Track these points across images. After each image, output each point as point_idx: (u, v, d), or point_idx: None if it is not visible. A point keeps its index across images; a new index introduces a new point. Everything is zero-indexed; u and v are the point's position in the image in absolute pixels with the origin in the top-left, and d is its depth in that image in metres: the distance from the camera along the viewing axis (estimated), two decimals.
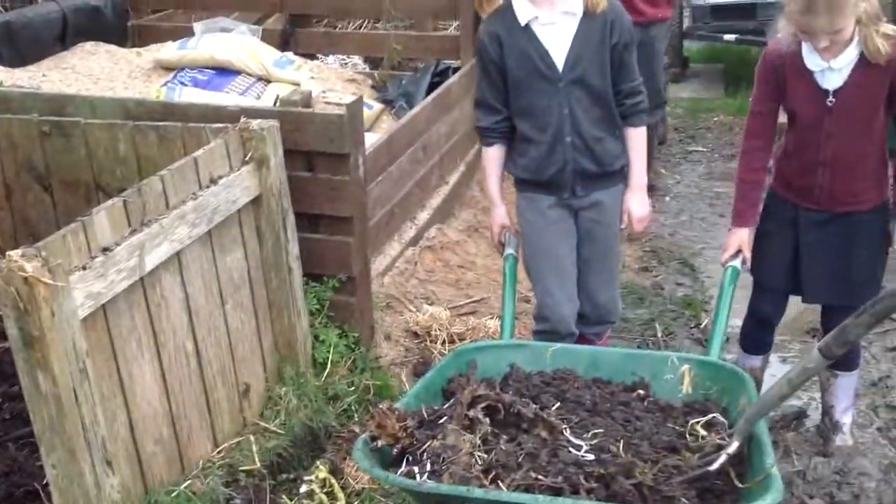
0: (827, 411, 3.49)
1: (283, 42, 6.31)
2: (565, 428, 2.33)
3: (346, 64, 7.22)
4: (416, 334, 3.97)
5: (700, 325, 4.35)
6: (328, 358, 3.52)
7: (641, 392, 2.74)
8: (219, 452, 3.05)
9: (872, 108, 3.03)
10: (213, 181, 3.07)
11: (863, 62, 2.96)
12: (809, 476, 3.21)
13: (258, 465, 3.04)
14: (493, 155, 3.36)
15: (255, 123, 3.25)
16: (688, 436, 2.48)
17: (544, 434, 2.30)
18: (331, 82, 5.91)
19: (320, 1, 6.35)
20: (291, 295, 3.41)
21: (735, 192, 3.29)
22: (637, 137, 3.30)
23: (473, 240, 4.95)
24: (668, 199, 5.96)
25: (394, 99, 5.95)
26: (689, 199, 6.02)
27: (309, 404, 3.32)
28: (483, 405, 2.31)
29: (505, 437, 2.29)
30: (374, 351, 3.76)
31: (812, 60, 3.02)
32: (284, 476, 3.07)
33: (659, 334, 4.25)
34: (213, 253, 3.08)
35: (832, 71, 3.00)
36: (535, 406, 2.35)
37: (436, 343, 3.89)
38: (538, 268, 3.38)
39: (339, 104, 3.50)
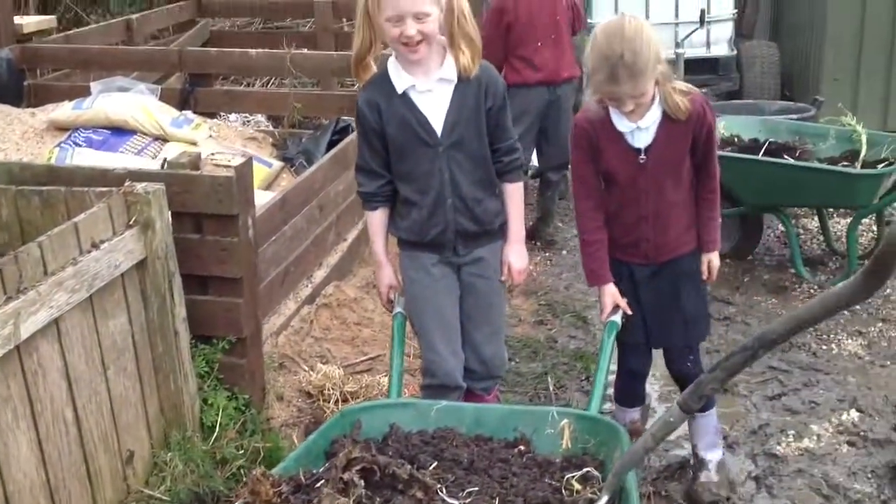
0: (693, 451, 3.63)
1: (183, 101, 6.31)
2: (440, 488, 2.37)
3: (248, 122, 7.26)
4: (309, 394, 3.96)
5: (590, 377, 4.43)
6: (217, 421, 3.48)
7: (522, 448, 2.78)
8: None
9: (680, 160, 3.27)
10: (95, 246, 3.04)
11: (666, 119, 3.20)
12: None
13: None
14: (378, 218, 3.41)
15: (141, 187, 3.24)
16: (563, 490, 2.54)
17: (419, 495, 2.33)
18: (230, 141, 5.93)
19: (220, 60, 6.38)
20: (178, 358, 3.38)
21: (582, 256, 3.43)
22: (515, 193, 3.39)
23: (371, 296, 4.97)
24: (565, 252, 6.09)
25: (294, 157, 5.99)
26: None
27: (196, 469, 3.28)
28: (358, 467, 2.33)
29: (380, 499, 2.31)
30: (266, 412, 3.74)
31: (621, 123, 3.23)
32: None
33: (551, 387, 4.33)
34: (94, 318, 3.04)
35: (640, 130, 3.22)
36: (409, 467, 2.37)
37: (328, 402, 3.88)
38: (422, 324, 3.42)
39: (227, 166, 3.51)
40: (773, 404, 4.18)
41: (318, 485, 2.35)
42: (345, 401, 3.90)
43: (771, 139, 5.53)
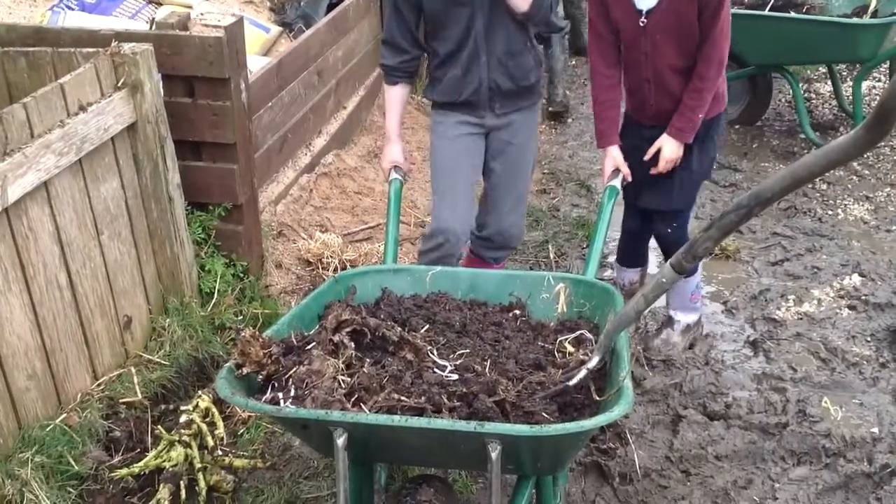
0: (666, 306, 3.67)
1: None
2: (431, 349, 2.36)
3: None
4: (308, 262, 3.95)
5: None
6: (215, 287, 3.48)
7: (517, 312, 2.77)
8: (99, 385, 3.02)
9: (682, 28, 3.09)
10: (83, 108, 2.97)
11: None
12: (685, 388, 3.31)
13: (139, 396, 3.02)
14: (396, 94, 3.37)
15: (128, 47, 3.15)
16: (556, 352, 2.53)
17: (410, 356, 2.32)
18: (227, 4, 5.75)
19: None
20: (174, 224, 3.35)
21: (594, 115, 3.35)
22: None
23: (372, 165, 4.91)
24: (570, 120, 5.98)
25: (292, 21, 5.82)
26: (591, 120, 6.02)
27: (194, 335, 3.30)
28: (348, 329, 2.32)
29: (370, 360, 2.30)
30: (264, 279, 3.74)
31: None
32: (163, 407, 3.06)
33: (551, 255, 4.30)
34: (85, 182, 3.00)
35: None
36: (400, 329, 2.36)
37: (327, 270, 3.87)
38: (437, 184, 3.39)
39: (217, 26, 3.39)
40: (774, 269, 4.15)
41: (309, 347, 2.34)
42: (343, 268, 3.89)
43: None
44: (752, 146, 5.43)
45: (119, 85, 3.13)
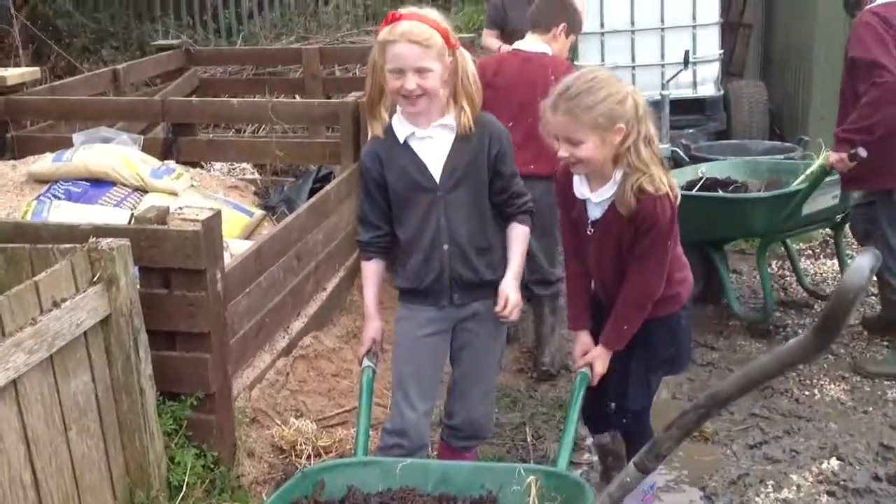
0: None
1: (166, 150, 6.30)
2: None
3: (233, 170, 7.26)
4: (281, 449, 3.91)
5: None
6: (184, 480, 3.43)
7: None
8: None
9: (624, 248, 3.15)
10: (56, 304, 3.01)
11: (614, 205, 3.09)
12: None
13: None
14: (372, 268, 3.42)
15: (105, 243, 3.22)
16: None
17: None
18: (212, 190, 5.92)
19: (203, 109, 6.38)
20: (144, 416, 3.34)
21: (566, 297, 3.41)
22: (521, 235, 3.37)
23: (350, 346, 4.93)
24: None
25: (276, 205, 5.99)
26: None
27: None
28: None
29: None
30: (236, 470, 3.68)
31: (578, 189, 3.20)
32: None
33: (528, 438, 4.27)
34: (55, 378, 3.00)
35: (591, 203, 3.17)
36: None
37: (301, 458, 3.83)
38: (397, 377, 3.39)
39: (195, 220, 3.48)
40: (753, 453, 4.12)
41: None
42: (318, 456, 3.85)
43: (742, 178, 5.58)
44: (727, 324, 5.49)
45: (94, 280, 3.19)
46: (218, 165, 7.18)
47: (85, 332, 3.12)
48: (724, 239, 5.55)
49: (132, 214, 4.04)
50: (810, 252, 6.60)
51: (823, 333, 1.86)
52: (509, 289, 3.33)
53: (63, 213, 4.99)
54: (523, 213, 3.35)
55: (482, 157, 3.23)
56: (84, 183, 5.41)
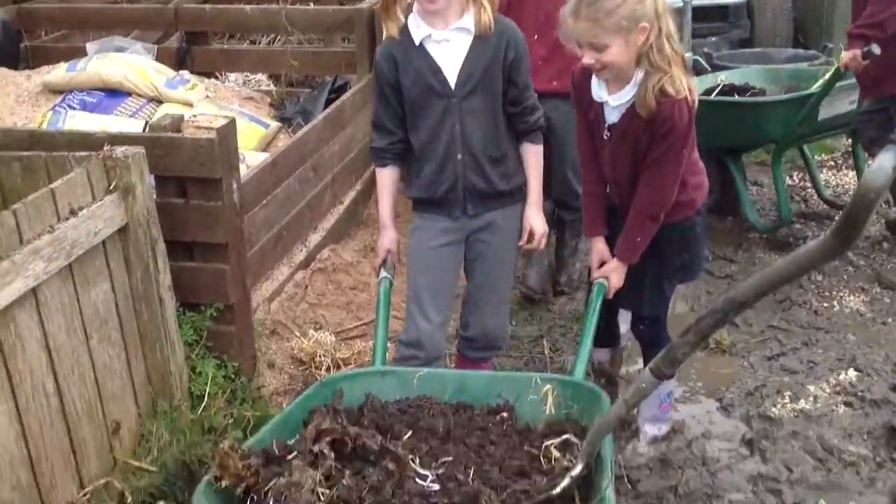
0: (636, 414, 3.57)
1: (180, 60, 6.23)
2: (413, 458, 2.33)
3: (248, 81, 7.17)
4: (301, 361, 3.94)
5: None
6: (205, 390, 3.46)
7: (504, 415, 2.75)
8: (84, 495, 2.98)
9: (640, 150, 3.09)
10: (73, 212, 3.00)
11: (634, 106, 3.03)
12: (681, 490, 3.26)
13: None
14: (386, 175, 3.37)
15: (120, 151, 3.19)
16: (542, 459, 2.50)
17: (391, 466, 2.30)
18: (227, 101, 5.86)
19: (216, 17, 6.28)
20: (164, 327, 3.35)
21: (582, 205, 3.37)
22: (536, 155, 3.32)
23: (369, 260, 4.92)
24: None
25: (291, 117, 5.92)
26: None
27: (182, 438, 3.26)
28: (328, 439, 2.30)
29: (351, 470, 2.28)
30: (257, 381, 3.72)
31: (596, 92, 3.12)
32: None
33: (546, 351, 4.28)
34: (74, 287, 3.01)
35: (609, 106, 3.10)
36: (380, 438, 2.34)
37: (320, 369, 3.86)
38: (412, 288, 3.38)
39: (209, 128, 3.44)
40: (770, 364, 4.12)
41: (290, 457, 2.32)
42: (337, 367, 3.88)
43: (760, 86, 5.49)
44: (746, 236, 5.44)
45: (111, 188, 3.17)
46: (233, 77, 7.09)
47: (103, 242, 3.11)
48: (741, 145, 5.47)
49: (146, 123, 4.00)
50: (832, 163, 6.50)
51: (843, 235, 1.81)
52: (533, 220, 3.31)
53: (79, 123, 4.96)
54: (535, 131, 3.30)
55: (498, 63, 3.16)
56: (99, 93, 5.37)
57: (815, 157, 6.11)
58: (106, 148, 3.20)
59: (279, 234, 4.32)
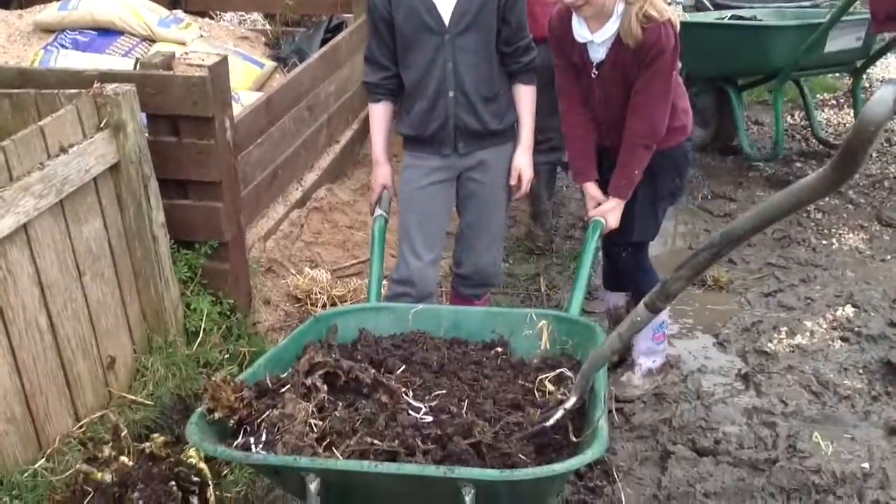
0: (631, 347, 3.59)
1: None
2: (406, 391, 2.33)
3: (244, 21, 7.07)
4: (297, 298, 3.93)
5: None
6: (200, 326, 3.46)
7: (499, 350, 2.75)
8: (80, 428, 2.99)
9: (630, 83, 3.04)
10: (64, 150, 2.97)
11: (619, 39, 2.98)
12: (675, 423, 3.27)
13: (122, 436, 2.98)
14: (379, 111, 3.34)
15: (110, 88, 3.15)
16: (536, 392, 2.50)
17: (384, 398, 2.29)
18: (222, 41, 5.77)
19: None
20: (158, 263, 3.34)
21: (567, 151, 3.32)
22: (528, 95, 3.28)
23: (365, 199, 4.89)
24: None
25: (287, 56, 5.84)
26: None
27: (178, 373, 3.27)
28: (321, 372, 2.29)
29: (343, 403, 2.27)
30: (252, 317, 3.72)
31: (578, 32, 3.07)
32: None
33: (542, 288, 4.27)
34: (66, 224, 2.99)
35: (594, 44, 3.05)
36: (373, 371, 2.33)
37: (316, 307, 3.85)
38: (403, 226, 3.36)
39: (201, 66, 3.40)
40: (767, 301, 4.11)
41: (283, 390, 2.32)
42: (333, 304, 3.87)
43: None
44: (746, 175, 5.41)
45: (101, 125, 3.13)
46: (227, 16, 6.98)
47: (95, 179, 3.08)
48: (744, 72, 5.41)
49: (137, 60, 3.95)
50: (834, 102, 6.44)
51: (842, 167, 1.79)
52: (522, 163, 3.28)
53: (70, 62, 4.89)
54: (528, 72, 3.25)
55: (493, 1, 3.11)
56: (91, 32, 5.28)
57: (818, 95, 6.04)
58: (96, 85, 3.16)
59: (274, 172, 4.30)
